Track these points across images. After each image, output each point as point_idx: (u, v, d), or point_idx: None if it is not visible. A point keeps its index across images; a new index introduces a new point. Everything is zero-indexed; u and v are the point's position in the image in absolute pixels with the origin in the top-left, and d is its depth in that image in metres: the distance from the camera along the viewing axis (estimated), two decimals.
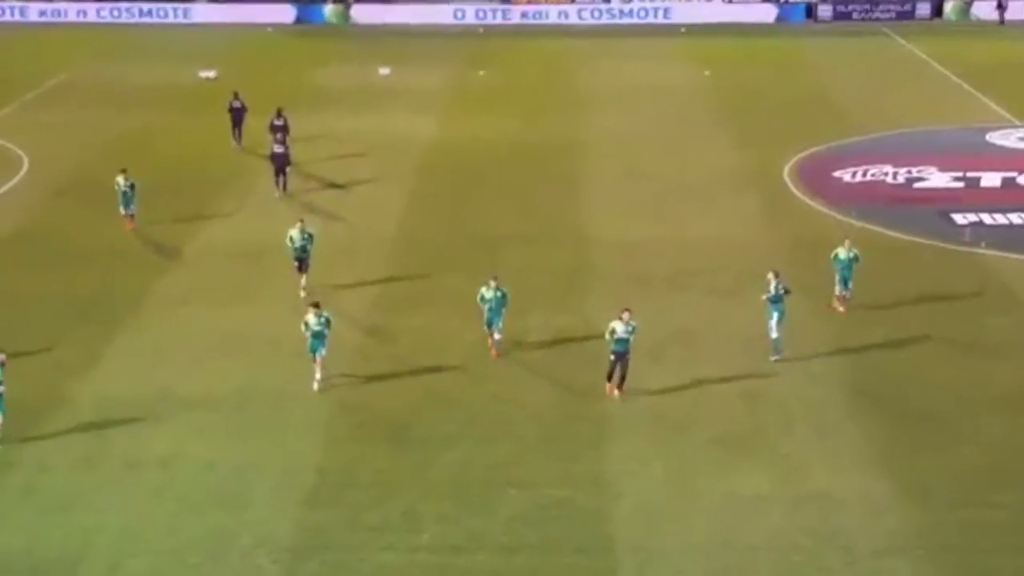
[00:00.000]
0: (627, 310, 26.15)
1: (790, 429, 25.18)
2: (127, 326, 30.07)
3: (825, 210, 38.65)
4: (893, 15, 75.49)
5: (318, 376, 26.61)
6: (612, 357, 26.15)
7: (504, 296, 28.03)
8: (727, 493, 22.84)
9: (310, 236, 31.71)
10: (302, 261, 31.65)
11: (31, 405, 25.65)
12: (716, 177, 42.04)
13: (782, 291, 27.88)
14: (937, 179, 41.71)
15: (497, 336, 28.28)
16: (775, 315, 27.85)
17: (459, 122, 50.39)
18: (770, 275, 28.13)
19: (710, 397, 26.46)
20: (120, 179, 36.50)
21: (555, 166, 43.63)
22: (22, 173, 42.85)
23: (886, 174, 42.24)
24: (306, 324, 26.62)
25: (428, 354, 28.53)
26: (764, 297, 27.96)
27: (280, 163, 40.17)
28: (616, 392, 26.25)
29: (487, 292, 27.94)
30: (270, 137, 41.65)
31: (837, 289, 30.62)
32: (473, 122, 50.29)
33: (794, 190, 40.78)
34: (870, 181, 41.76)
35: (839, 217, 37.77)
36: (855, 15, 75.89)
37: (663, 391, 26.64)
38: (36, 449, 24.38)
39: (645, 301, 30.69)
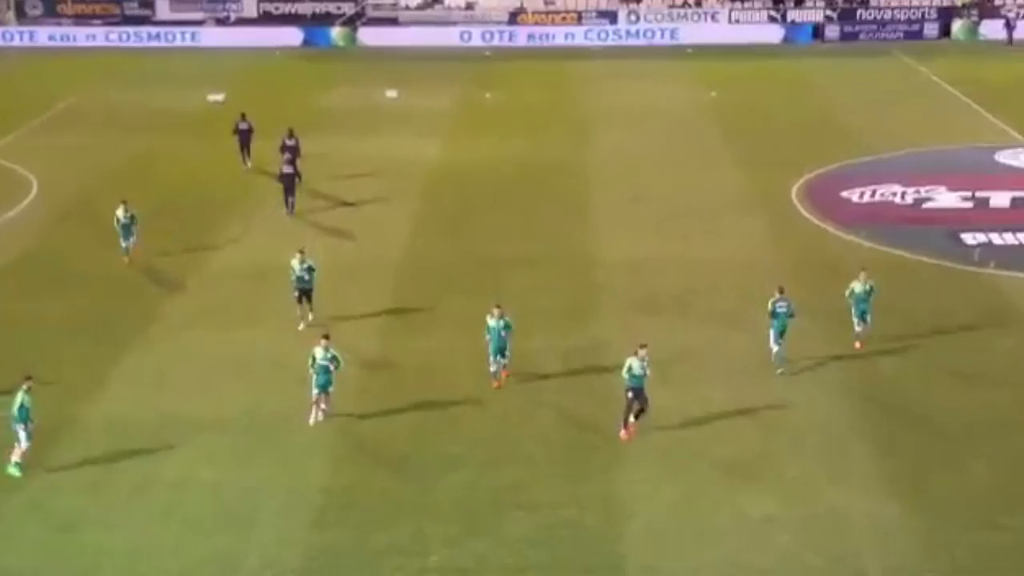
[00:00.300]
0: (643, 346, 25.42)
1: (799, 450, 25.08)
2: (134, 349, 30.07)
3: (834, 231, 38.57)
4: (901, 35, 75.51)
5: (318, 415, 25.83)
6: (629, 395, 25.27)
7: (508, 326, 27.33)
8: (737, 514, 22.74)
9: (311, 268, 30.86)
10: (304, 293, 30.90)
11: (38, 427, 25.63)
12: (724, 198, 41.99)
13: (782, 308, 28.20)
14: (946, 199, 41.63)
15: (495, 368, 27.51)
16: (773, 330, 28.33)
17: (466, 144, 50.44)
18: (776, 292, 28.51)
19: (718, 418, 26.36)
20: (120, 211, 35.46)
21: (561, 187, 43.63)
22: (31, 197, 42.93)
23: (895, 194, 42.17)
24: (312, 358, 25.87)
25: (434, 376, 28.47)
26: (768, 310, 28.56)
27: (288, 183, 40.59)
28: (627, 433, 25.32)
29: (491, 321, 27.43)
30: (281, 157, 42.00)
31: (856, 325, 29.40)
32: (480, 144, 50.34)
33: (802, 211, 40.72)
34: (879, 201, 41.68)
35: (848, 238, 37.71)
36: (862, 35, 75.94)
37: (671, 412, 26.52)
38: (44, 471, 24.36)
39: (652, 322, 30.68)
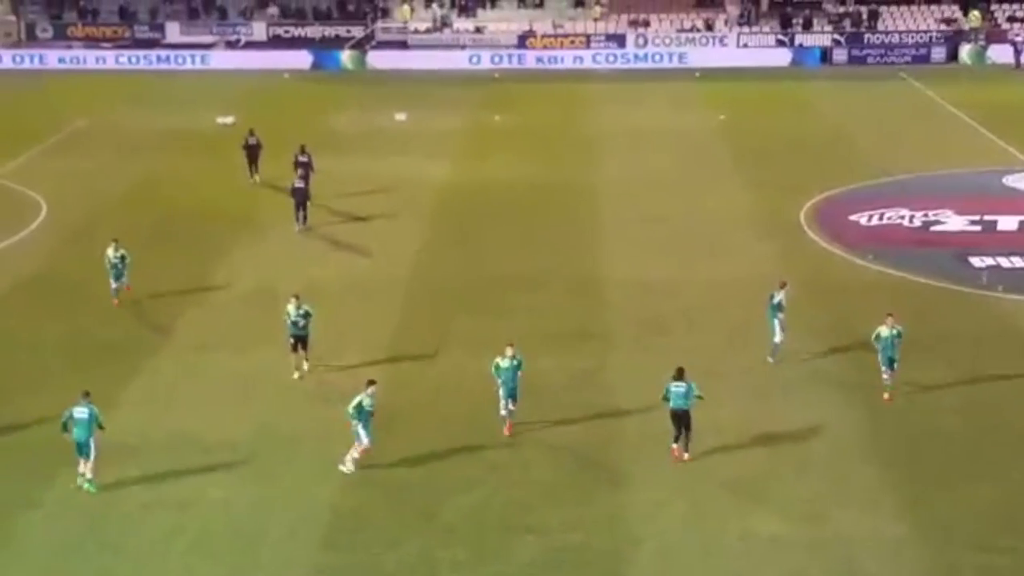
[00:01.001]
0: (681, 369, 25.36)
1: (806, 470, 25.04)
2: (142, 370, 30.12)
3: (842, 254, 38.59)
4: (909, 59, 75.66)
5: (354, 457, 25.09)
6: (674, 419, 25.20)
7: (520, 365, 26.40)
8: (744, 534, 22.71)
9: (307, 313, 29.14)
10: (299, 340, 29.13)
11: (48, 447, 25.71)
12: (732, 221, 42.05)
13: (779, 300, 29.77)
14: (954, 222, 41.65)
15: (505, 413, 26.46)
16: (776, 323, 29.62)
17: (475, 166, 50.58)
18: (778, 285, 30.08)
19: (726, 439, 26.32)
20: (110, 251, 34.06)
21: (570, 209, 43.71)
22: (40, 219, 43.09)
23: (903, 217, 42.19)
24: (359, 406, 24.65)
25: (443, 396, 28.49)
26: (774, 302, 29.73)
27: (300, 198, 41.34)
28: (684, 455, 25.29)
29: (503, 362, 26.32)
30: (294, 173, 42.73)
31: (883, 373, 28.02)
32: (488, 166, 50.48)
33: (810, 233, 40.75)
34: (887, 224, 41.71)
35: (856, 261, 37.73)
36: (870, 59, 76.10)
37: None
38: (53, 490, 24.38)
39: (660, 342, 30.70)
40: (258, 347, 31.35)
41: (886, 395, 28.01)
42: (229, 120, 57.82)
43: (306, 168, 43.14)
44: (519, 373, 26.50)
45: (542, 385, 28.65)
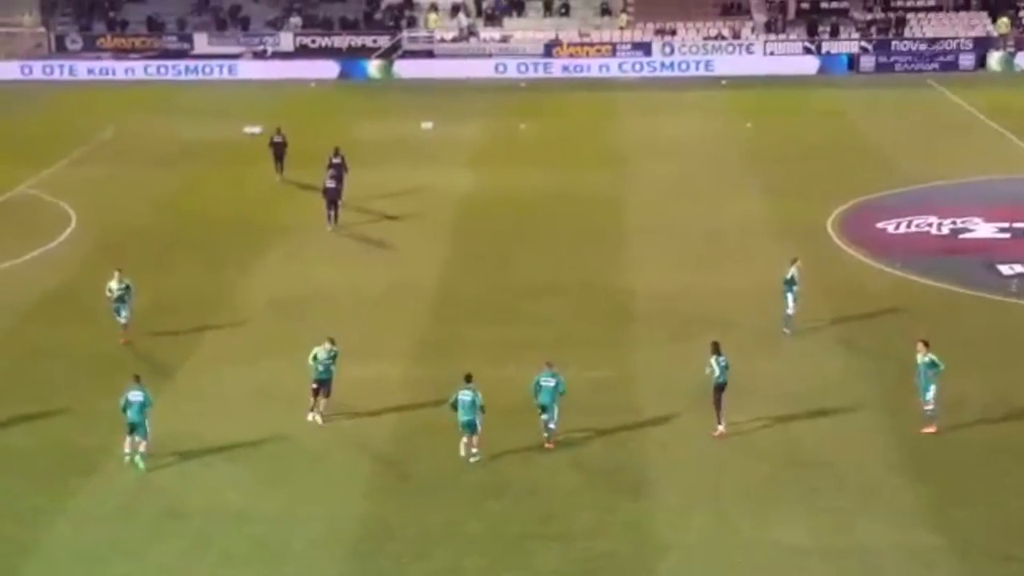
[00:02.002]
0: (716, 343, 27.06)
1: (833, 480, 24.91)
2: (169, 379, 30.22)
3: (869, 261, 38.42)
4: (937, 66, 75.29)
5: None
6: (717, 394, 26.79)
7: (559, 383, 26.15)
8: (770, 545, 22.62)
9: (335, 355, 27.77)
10: (322, 384, 27.62)
11: (73, 455, 25.89)
12: (758, 229, 41.91)
13: (791, 276, 31.91)
14: (983, 230, 41.39)
15: (552, 426, 26.28)
16: (790, 296, 31.81)
17: (500, 175, 50.61)
18: (790, 263, 32.21)
19: (750, 446, 26.25)
20: (113, 283, 32.08)
21: (596, 217, 43.68)
22: (69, 229, 43.35)
23: (931, 225, 41.96)
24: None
25: None
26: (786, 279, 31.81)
27: (331, 196, 42.51)
28: (722, 427, 26.74)
29: (544, 380, 26.15)
30: (325, 173, 43.70)
31: (923, 404, 26.69)
32: (514, 175, 50.50)
33: (838, 241, 40.59)
34: (915, 232, 41.49)
35: (884, 269, 37.54)
36: (898, 66, 75.76)
37: (704, 441, 26.50)
38: (77, 499, 24.54)
39: (685, 350, 30.58)
40: (283, 357, 31.34)
41: (930, 429, 26.61)
42: (256, 130, 58.02)
43: (339, 169, 44.12)
44: (558, 392, 26.15)
45: (567, 393, 28.57)
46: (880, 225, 42.21)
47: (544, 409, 26.17)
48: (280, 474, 25.55)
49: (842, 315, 33.44)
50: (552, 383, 26.13)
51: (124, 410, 25.63)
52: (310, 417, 27.63)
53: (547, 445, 26.31)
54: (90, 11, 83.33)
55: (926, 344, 26.86)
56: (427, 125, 60.34)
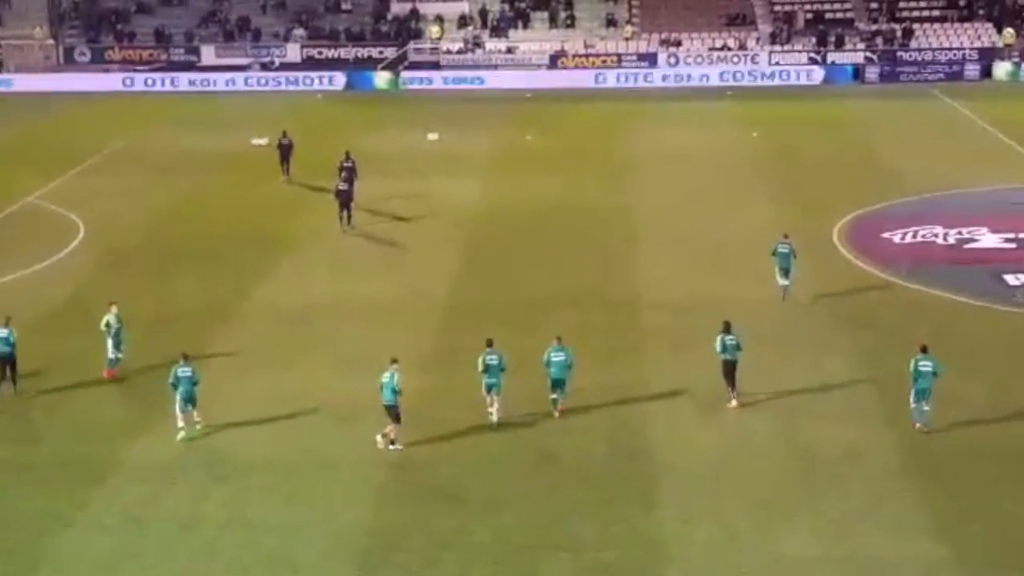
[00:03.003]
0: (728, 322, 28.65)
1: (840, 490, 24.95)
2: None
3: (875, 271, 38.49)
4: (942, 76, 75.46)
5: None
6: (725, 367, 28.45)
7: (568, 356, 28.14)
8: (777, 555, 22.66)
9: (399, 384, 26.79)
10: (388, 409, 26.72)
11: (82, 465, 26.01)
12: (765, 239, 41.75)
13: (784, 250, 34.91)
14: (988, 240, 41.45)
15: (559, 396, 28.24)
16: (777, 269, 34.69)
17: (506, 186, 50.75)
18: (781, 236, 35.09)
19: (760, 456, 26.32)
20: (111, 317, 30.98)
21: (603, 228, 43.79)
22: (77, 240, 43.52)
23: (936, 235, 42.03)
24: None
25: (478, 415, 28.54)
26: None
27: (344, 199, 43.83)
28: (735, 403, 28.29)
29: (554, 355, 28.10)
30: (337, 177, 45.17)
31: (912, 404, 27.22)
32: (520, 185, 50.64)
33: (843, 251, 40.67)
34: (921, 242, 41.57)
35: (889, 279, 37.61)
36: (903, 76, 75.94)
37: (713, 450, 26.59)
38: (90, 509, 24.65)
39: (693, 360, 30.67)
40: (294, 366, 31.54)
41: (922, 427, 27.16)
42: (263, 141, 58.23)
43: (350, 172, 45.47)
44: (568, 365, 28.20)
45: (575, 402, 28.71)
46: (886, 235, 42.29)
47: (556, 383, 28.07)
48: (289, 484, 25.61)
49: (848, 324, 33.50)
50: (562, 357, 28.11)
51: (174, 386, 27.41)
52: (380, 444, 26.80)
53: (556, 413, 28.13)
54: (98, 23, 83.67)
55: (924, 349, 27.20)
56: (433, 136, 60.52)
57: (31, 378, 30.80)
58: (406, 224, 44.79)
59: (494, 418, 27.81)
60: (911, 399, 27.22)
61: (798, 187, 48.85)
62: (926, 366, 26.91)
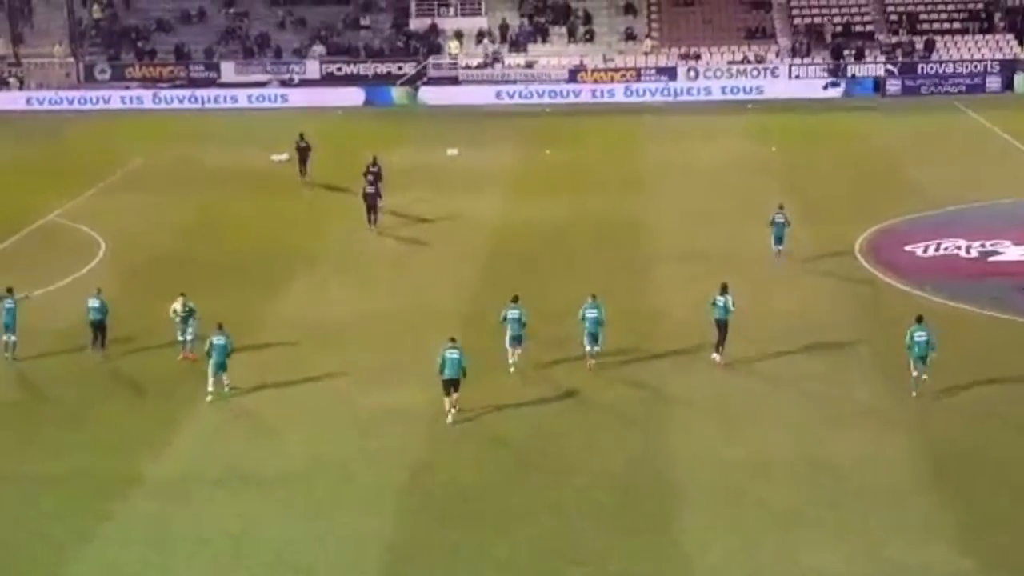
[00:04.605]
0: (725, 284, 31.44)
1: (862, 502, 24.77)
2: (197, 404, 30.30)
3: (898, 285, 38.27)
4: (963, 88, 75.12)
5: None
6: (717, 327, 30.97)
7: (601, 312, 31.17)
8: (798, 568, 22.47)
9: (459, 350, 28.61)
10: (451, 383, 28.51)
11: (104, 479, 25.98)
12: (788, 252, 41.78)
13: (780, 219, 39.34)
14: (1012, 253, 41.19)
15: (592, 348, 31.05)
16: (772, 238, 38.96)
17: (525, 200, 50.70)
18: (777, 207, 39.33)
19: (780, 467, 26.18)
20: (177, 305, 32.91)
21: (622, 242, 43.70)
22: (99, 257, 43.63)
23: (959, 248, 41.80)
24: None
25: (498, 425, 28.49)
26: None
27: (371, 201, 45.76)
28: (718, 357, 30.88)
29: (588, 311, 31.10)
30: (364, 180, 46.86)
31: (913, 371, 29.17)
32: (539, 200, 50.57)
33: (866, 264, 40.47)
34: (943, 255, 41.33)
35: (912, 292, 37.39)
36: (923, 89, 75.63)
37: (732, 461, 26.47)
38: (110, 523, 24.63)
39: (713, 373, 30.51)
40: (313, 381, 31.51)
41: (914, 393, 29.01)
42: (283, 157, 58.31)
43: (376, 176, 46.95)
44: (600, 322, 31.07)
45: (592, 415, 28.61)
46: (908, 248, 42.07)
47: (591, 337, 31.02)
48: (311, 497, 25.55)
49: (870, 338, 33.31)
50: (595, 313, 31.11)
51: (208, 354, 29.77)
52: (450, 419, 28.54)
53: (590, 364, 30.91)
54: (119, 41, 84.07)
55: (920, 319, 29.32)
56: (452, 151, 60.53)
57: (51, 392, 30.78)
58: (426, 239, 44.78)
59: (512, 369, 30.68)
60: (911, 368, 28.96)
61: (819, 200, 48.65)
62: (921, 336, 28.77)
